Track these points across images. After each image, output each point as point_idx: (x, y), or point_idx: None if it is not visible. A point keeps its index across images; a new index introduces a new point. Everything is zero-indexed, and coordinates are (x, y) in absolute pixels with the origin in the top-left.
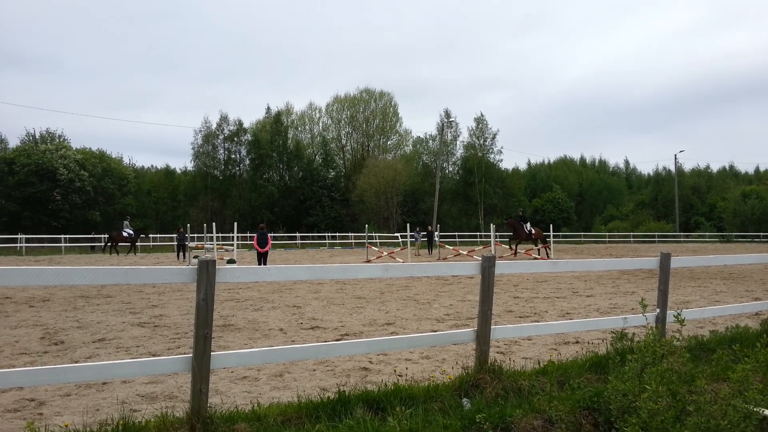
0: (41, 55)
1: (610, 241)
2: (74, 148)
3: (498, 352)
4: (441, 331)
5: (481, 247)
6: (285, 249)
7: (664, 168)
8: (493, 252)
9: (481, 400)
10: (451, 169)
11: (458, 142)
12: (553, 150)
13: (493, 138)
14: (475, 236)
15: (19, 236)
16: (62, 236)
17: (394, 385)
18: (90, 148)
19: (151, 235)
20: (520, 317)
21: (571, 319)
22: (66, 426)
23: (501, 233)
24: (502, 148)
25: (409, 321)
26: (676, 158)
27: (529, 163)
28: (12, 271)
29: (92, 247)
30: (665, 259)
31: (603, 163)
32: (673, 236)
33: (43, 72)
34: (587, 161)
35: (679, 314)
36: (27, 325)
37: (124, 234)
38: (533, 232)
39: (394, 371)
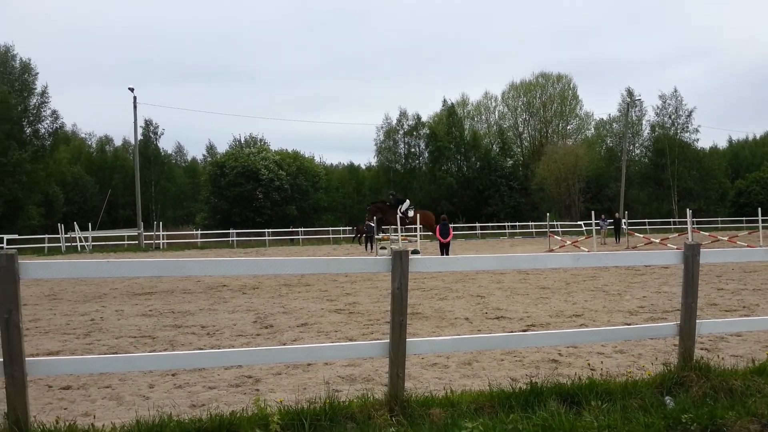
0: (243, 67)
1: None
2: (273, 150)
3: (702, 349)
4: (635, 325)
5: (675, 234)
6: (465, 239)
7: None
8: (690, 239)
9: (686, 399)
10: (638, 151)
11: (644, 122)
12: (759, 124)
13: (689, 116)
14: (668, 223)
15: (230, 231)
16: (266, 230)
17: (588, 379)
18: (286, 149)
19: (342, 228)
20: (725, 311)
21: None
22: (281, 402)
23: (698, 219)
24: (699, 126)
25: (599, 313)
26: None
27: (730, 141)
28: (233, 263)
29: (291, 240)
30: None
31: None
32: None
33: (245, 82)
34: None
35: None
36: (241, 310)
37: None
38: (410, 215)
39: (588, 365)
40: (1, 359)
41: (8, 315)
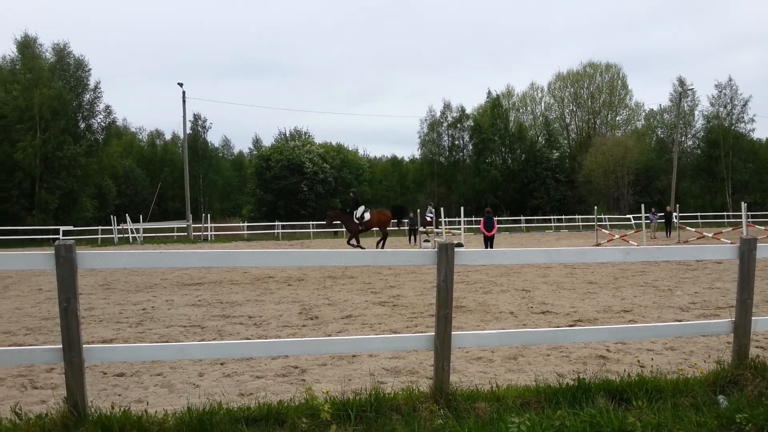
0: (289, 61)
1: None
2: (317, 143)
3: (757, 347)
4: (686, 321)
5: (729, 228)
6: (510, 233)
7: None
8: (745, 233)
9: (741, 398)
10: (690, 142)
11: (697, 113)
12: None
13: (744, 105)
14: (722, 216)
15: (276, 223)
16: (310, 223)
17: (638, 375)
18: (330, 143)
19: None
20: None
21: None
22: (327, 392)
23: (753, 213)
24: (754, 116)
25: (649, 309)
26: None
27: None
28: (281, 254)
29: (335, 232)
30: None
31: None
32: None
33: (291, 76)
34: None
35: None
36: (287, 301)
37: (427, 218)
38: (366, 218)
39: (638, 361)
40: (61, 346)
41: (67, 303)
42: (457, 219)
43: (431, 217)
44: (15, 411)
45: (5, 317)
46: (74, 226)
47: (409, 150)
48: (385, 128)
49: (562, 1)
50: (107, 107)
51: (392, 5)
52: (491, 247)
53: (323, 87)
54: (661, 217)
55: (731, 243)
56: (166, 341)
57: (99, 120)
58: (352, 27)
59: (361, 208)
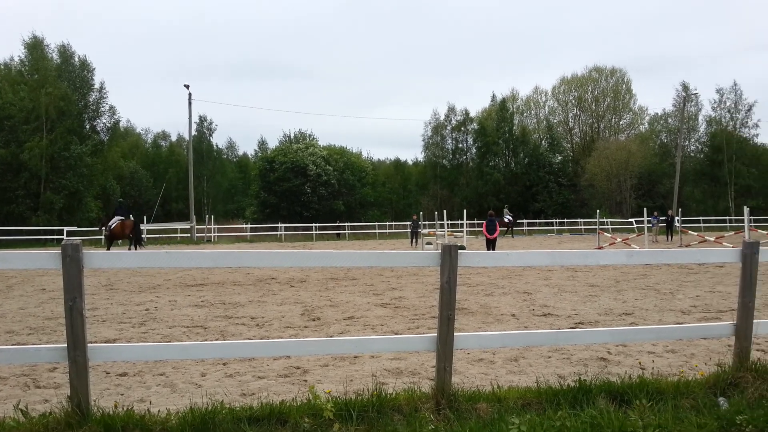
0: (296, 65)
1: None
2: (321, 146)
3: (758, 350)
4: (688, 324)
5: (731, 233)
6: (512, 236)
7: None
8: (747, 237)
9: (741, 400)
10: (693, 147)
11: (701, 117)
12: None
13: (749, 110)
14: (724, 221)
15: (279, 225)
16: (313, 225)
17: (638, 377)
18: (334, 145)
19: (387, 223)
20: None
21: None
22: (329, 392)
23: (756, 217)
24: (759, 121)
25: (650, 312)
26: None
27: None
28: (286, 255)
29: (338, 234)
30: None
31: None
32: None
33: (297, 79)
34: None
35: None
36: (290, 303)
37: (505, 219)
38: (112, 227)
39: (639, 363)
40: (65, 345)
41: (72, 302)
42: (459, 222)
43: (510, 219)
44: (19, 409)
45: (8, 317)
46: (78, 227)
47: (412, 153)
48: (389, 131)
49: (568, 6)
50: (112, 108)
51: (398, 9)
52: (494, 250)
53: (329, 90)
54: (662, 221)
55: (733, 247)
56: (169, 341)
57: (104, 120)
58: (358, 30)
59: (116, 219)
